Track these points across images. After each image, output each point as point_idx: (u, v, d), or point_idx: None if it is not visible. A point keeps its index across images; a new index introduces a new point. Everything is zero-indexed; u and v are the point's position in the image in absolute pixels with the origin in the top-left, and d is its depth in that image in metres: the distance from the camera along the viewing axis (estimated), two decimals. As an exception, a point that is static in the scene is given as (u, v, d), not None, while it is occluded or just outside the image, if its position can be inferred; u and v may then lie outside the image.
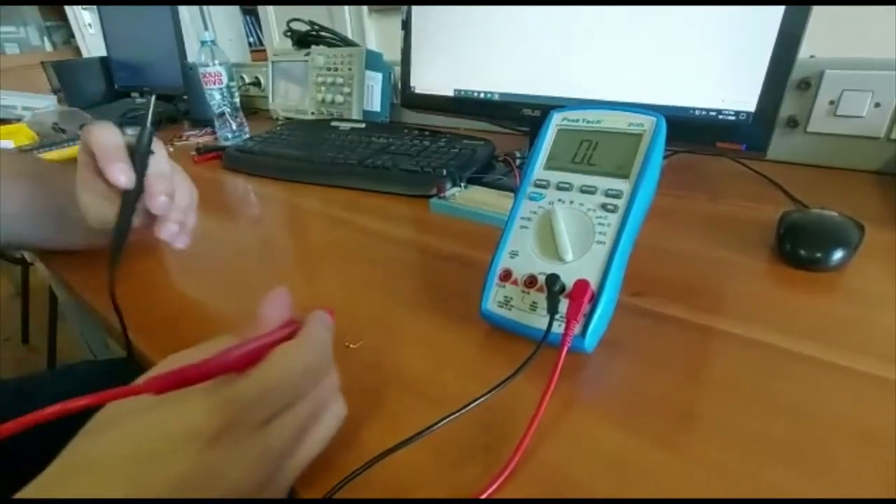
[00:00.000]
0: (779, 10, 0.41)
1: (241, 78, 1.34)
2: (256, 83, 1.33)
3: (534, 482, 0.24)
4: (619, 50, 0.50)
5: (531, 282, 0.32)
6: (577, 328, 0.29)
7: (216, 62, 0.87)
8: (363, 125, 0.85)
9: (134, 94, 1.51)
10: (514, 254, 0.33)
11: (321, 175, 0.70)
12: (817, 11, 0.40)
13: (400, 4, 0.70)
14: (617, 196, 0.31)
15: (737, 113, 0.45)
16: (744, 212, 0.51)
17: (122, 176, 0.37)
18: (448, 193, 0.57)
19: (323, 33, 1.07)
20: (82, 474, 0.20)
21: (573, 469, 0.24)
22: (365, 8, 1.15)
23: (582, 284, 0.29)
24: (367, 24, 1.17)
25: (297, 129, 0.90)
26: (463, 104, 0.65)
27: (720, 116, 0.46)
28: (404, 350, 0.34)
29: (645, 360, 0.31)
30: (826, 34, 0.48)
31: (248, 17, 1.99)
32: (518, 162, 0.63)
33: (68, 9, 2.86)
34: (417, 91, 0.71)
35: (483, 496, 0.23)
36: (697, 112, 0.47)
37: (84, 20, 2.81)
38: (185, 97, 1.26)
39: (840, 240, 0.39)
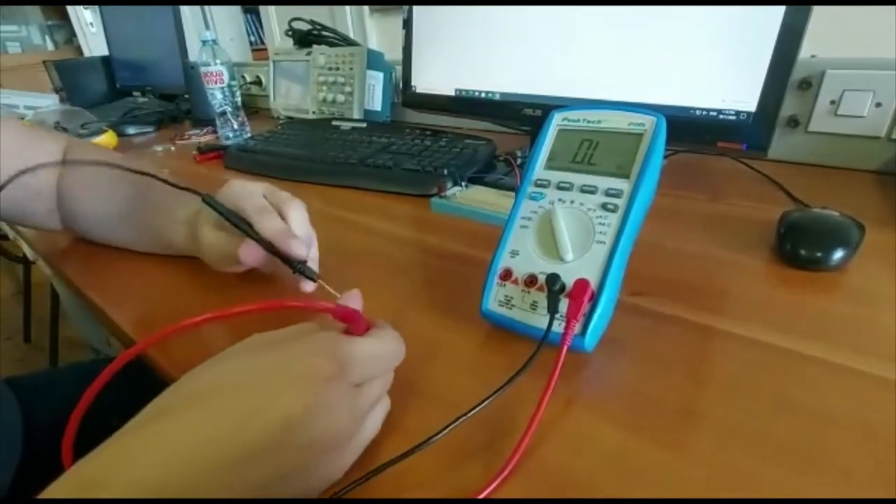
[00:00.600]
0: (779, 10, 0.41)
1: (243, 77, 1.34)
2: (258, 82, 1.33)
3: (534, 481, 0.24)
4: (620, 50, 0.50)
5: (531, 281, 0.32)
6: (577, 327, 0.29)
7: (217, 61, 0.87)
8: (364, 124, 0.85)
9: (136, 94, 1.52)
10: (514, 253, 0.33)
11: (322, 174, 0.70)
12: (818, 11, 0.40)
13: (401, 4, 0.70)
14: (617, 196, 0.31)
15: (737, 113, 0.45)
16: (744, 211, 0.51)
17: (302, 251, 0.37)
18: (449, 193, 0.57)
19: (324, 33, 1.07)
20: (192, 408, 0.21)
21: (573, 468, 0.24)
22: (366, 7, 1.15)
23: (582, 284, 0.29)
24: (369, 24, 1.17)
25: (299, 129, 0.90)
26: (464, 104, 0.65)
27: (721, 116, 0.46)
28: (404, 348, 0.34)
29: (645, 359, 0.31)
30: (827, 34, 0.48)
31: (249, 17, 1.99)
32: (519, 161, 0.63)
33: (70, 8, 2.86)
34: (418, 90, 0.71)
35: (483, 495, 0.23)
36: (698, 112, 0.47)
37: (86, 19, 2.81)
38: (187, 96, 1.26)
39: (840, 239, 0.39)
